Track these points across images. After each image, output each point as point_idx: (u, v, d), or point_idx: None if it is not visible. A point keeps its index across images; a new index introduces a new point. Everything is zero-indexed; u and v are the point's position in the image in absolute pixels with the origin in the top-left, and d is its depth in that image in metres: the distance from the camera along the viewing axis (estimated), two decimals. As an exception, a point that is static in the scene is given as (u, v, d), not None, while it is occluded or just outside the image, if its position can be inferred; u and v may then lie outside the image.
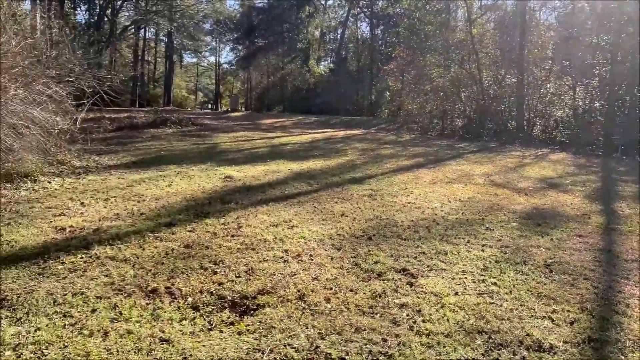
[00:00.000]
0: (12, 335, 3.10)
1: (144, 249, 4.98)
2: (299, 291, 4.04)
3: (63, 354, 2.91)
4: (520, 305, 3.93)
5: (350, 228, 6.01)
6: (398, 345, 3.22)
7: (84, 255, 4.71)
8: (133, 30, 39.35)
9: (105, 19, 32.41)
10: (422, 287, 4.20)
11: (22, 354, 2.89)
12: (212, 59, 58.49)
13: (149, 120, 19.97)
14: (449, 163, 12.60)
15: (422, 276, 4.48)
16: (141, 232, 5.59)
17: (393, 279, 4.38)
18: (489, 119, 20.82)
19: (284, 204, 7.28)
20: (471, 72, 21.29)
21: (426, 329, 3.45)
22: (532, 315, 3.75)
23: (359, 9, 39.68)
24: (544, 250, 5.44)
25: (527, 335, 3.41)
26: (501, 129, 20.31)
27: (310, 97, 33.77)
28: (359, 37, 39.83)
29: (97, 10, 32.03)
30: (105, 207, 6.73)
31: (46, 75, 12.41)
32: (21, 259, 4.56)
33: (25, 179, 8.39)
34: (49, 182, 8.33)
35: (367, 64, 34.15)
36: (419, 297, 3.98)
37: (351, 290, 4.09)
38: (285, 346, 3.15)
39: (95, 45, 26.93)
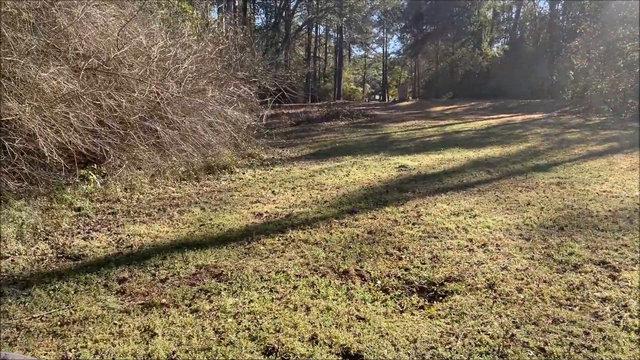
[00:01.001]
0: (231, 305, 3.57)
1: (331, 234, 5.31)
2: (487, 280, 3.97)
3: (275, 324, 3.27)
4: None
5: (538, 218, 5.70)
6: (603, 339, 3.01)
7: (280, 238, 5.18)
8: (306, 29, 41.47)
9: (281, 20, 34.66)
10: (626, 282, 3.84)
11: (241, 321, 3.31)
12: (379, 50, 59.23)
13: (322, 114, 20.97)
14: (650, 147, 11.16)
15: (625, 270, 4.09)
16: (327, 218, 5.95)
17: (592, 271, 4.07)
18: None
19: (463, 193, 7.15)
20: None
21: (635, 326, 3.16)
22: None
23: (535, -16, 36.94)
24: None
25: None
26: None
27: (482, 82, 32.36)
28: (537, 14, 37.01)
29: (275, 12, 34.42)
30: (293, 195, 7.29)
31: (236, 77, 13.74)
32: (229, 239, 5.17)
33: (223, 170, 9.43)
34: (243, 173, 9.24)
35: (546, 42, 31.59)
36: (623, 292, 3.66)
37: (545, 282, 3.90)
38: (479, 332, 3.14)
39: (273, 47, 28.99)
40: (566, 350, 2.90)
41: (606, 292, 3.65)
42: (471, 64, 34.91)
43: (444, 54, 40.00)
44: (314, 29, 44.06)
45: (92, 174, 7.24)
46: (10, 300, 3.68)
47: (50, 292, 3.83)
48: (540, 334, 3.09)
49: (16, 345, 3.01)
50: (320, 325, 3.26)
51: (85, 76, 7.87)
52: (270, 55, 23.76)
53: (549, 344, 2.97)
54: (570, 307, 3.44)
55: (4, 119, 5.69)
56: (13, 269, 4.34)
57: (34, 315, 3.43)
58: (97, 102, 7.78)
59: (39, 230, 5.40)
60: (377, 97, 60.54)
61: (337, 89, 43.27)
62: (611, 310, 3.38)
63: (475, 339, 3.07)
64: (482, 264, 4.34)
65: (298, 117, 20.50)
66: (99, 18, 8.67)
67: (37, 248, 4.87)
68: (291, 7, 34.92)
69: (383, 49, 57.64)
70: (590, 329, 3.13)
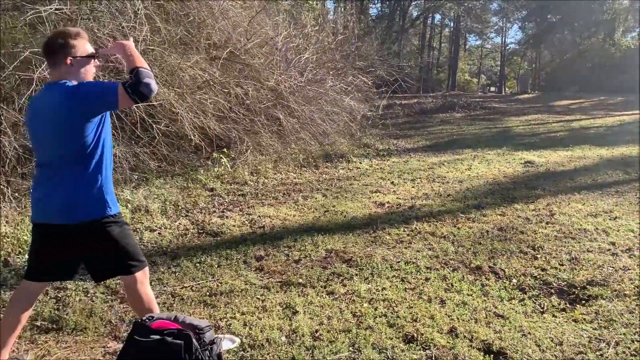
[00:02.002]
0: (365, 290, 3.63)
1: (458, 228, 5.20)
2: (636, 287, 3.68)
3: (411, 313, 3.28)
4: None
5: (692, 224, 5.18)
6: None
7: (405, 229, 5.17)
8: (422, 18, 40.65)
9: (398, 9, 34.27)
10: None
11: (377, 307, 3.36)
12: (497, 39, 56.55)
13: (436, 106, 20.48)
14: None
15: None
16: (452, 212, 5.84)
17: None
18: None
19: (599, 193, 6.67)
20: None
21: None
22: None
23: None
24: None
25: None
26: None
27: (613, 75, 29.71)
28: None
29: (391, 2, 34.10)
30: (413, 187, 7.22)
31: (354, 67, 13.84)
32: (354, 227, 5.26)
33: (340, 159, 9.57)
34: (360, 163, 9.32)
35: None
36: None
37: None
38: (632, 341, 2.93)
39: (389, 36, 28.77)
40: None
41: None
42: (601, 55, 32.19)
43: (569, 45, 37.26)
44: (429, 18, 43.06)
45: (223, 157, 7.68)
46: (162, 269, 4.03)
47: (197, 264, 4.14)
48: None
49: (172, 310, 3.29)
50: (458, 318, 3.22)
51: (216, 65, 8.32)
52: (386, 45, 23.56)
53: None
54: None
55: (154, 103, 6.19)
56: (161, 241, 4.74)
57: (184, 285, 3.73)
58: (226, 90, 8.22)
59: (180, 207, 5.84)
60: (492, 89, 57.97)
61: (450, 80, 42.05)
62: None
63: (629, 348, 2.87)
64: (629, 269, 4.03)
65: (411, 107, 20.20)
66: (230, 9, 9.13)
67: (179, 223, 5.28)
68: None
69: (501, 39, 54.98)
70: None
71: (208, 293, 3.58)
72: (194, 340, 2.02)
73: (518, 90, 35.65)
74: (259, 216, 5.63)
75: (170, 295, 3.54)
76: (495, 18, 49.97)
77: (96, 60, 2.51)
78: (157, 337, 2.00)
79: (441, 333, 3.03)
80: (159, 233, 4.95)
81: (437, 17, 45.79)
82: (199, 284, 3.76)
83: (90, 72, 2.46)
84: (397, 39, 31.08)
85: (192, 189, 6.57)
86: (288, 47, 10.53)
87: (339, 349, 2.82)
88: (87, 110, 2.32)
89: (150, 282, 2.76)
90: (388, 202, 6.30)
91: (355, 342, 2.90)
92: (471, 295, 3.60)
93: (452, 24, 45.48)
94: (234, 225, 5.24)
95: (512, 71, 57.09)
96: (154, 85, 2.32)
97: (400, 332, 3.03)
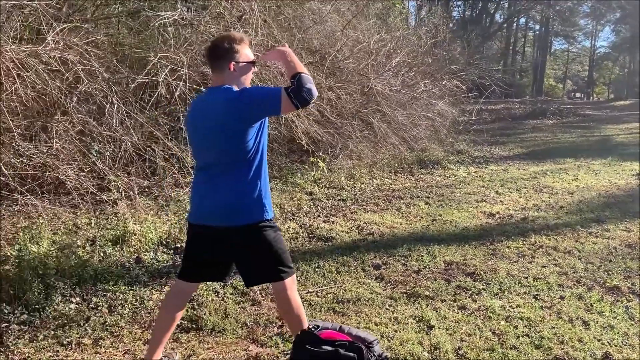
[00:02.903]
0: (499, 307, 3.44)
1: (582, 243, 4.87)
2: None
3: (555, 334, 3.06)
4: None
5: None
6: None
7: (524, 242, 4.91)
8: (507, 22, 39.36)
9: (484, 14, 33.34)
10: None
11: (516, 326, 3.17)
12: (586, 43, 53.67)
13: (526, 112, 19.69)
14: None
15: None
16: (570, 226, 5.49)
17: None
18: None
19: None
20: None
21: None
22: None
23: None
24: None
25: None
26: None
27: None
28: None
29: (476, 6, 33.23)
30: (520, 197, 6.89)
31: (445, 71, 13.53)
32: (468, 238, 5.05)
33: (435, 165, 9.33)
34: (457, 170, 9.03)
35: None
36: None
37: None
38: None
39: (477, 40, 27.99)
40: None
41: None
42: None
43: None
44: (515, 21, 41.57)
45: (320, 161, 7.68)
46: (282, 273, 4.02)
47: (315, 269, 4.10)
48: None
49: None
50: (609, 343, 2.97)
51: (313, 69, 8.35)
52: (477, 49, 22.91)
53: None
54: None
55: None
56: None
57: (309, 290, 3.70)
58: (323, 95, 8.22)
59: (286, 210, 5.87)
60: (577, 95, 55.09)
61: (537, 85, 40.35)
62: None
63: None
64: None
65: (498, 113, 19.50)
66: (325, 14, 9.15)
67: (288, 226, 5.29)
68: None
69: (591, 43, 52.15)
70: None
71: (334, 300, 3.52)
72: (365, 353, 1.95)
73: (610, 97, 33.62)
74: (365, 222, 5.54)
75: (297, 301, 3.52)
76: (584, 20, 47.54)
77: (254, 66, 2.51)
78: (330, 348, 1.94)
79: (594, 358, 2.80)
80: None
81: (522, 20, 44.16)
82: (322, 289, 3.71)
83: (249, 78, 2.46)
84: (484, 43, 30.18)
85: (292, 192, 6.59)
86: (380, 52, 10.41)
87: (487, 369, 2.67)
88: (250, 115, 2.31)
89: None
90: (498, 213, 6.02)
91: (502, 362, 2.73)
92: (616, 318, 3.33)
93: (536, 27, 43.71)
94: (342, 231, 5.18)
95: (602, 76, 54.08)
96: (315, 91, 2.28)
97: (549, 354, 2.83)
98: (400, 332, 3.05)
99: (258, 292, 3.59)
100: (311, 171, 7.52)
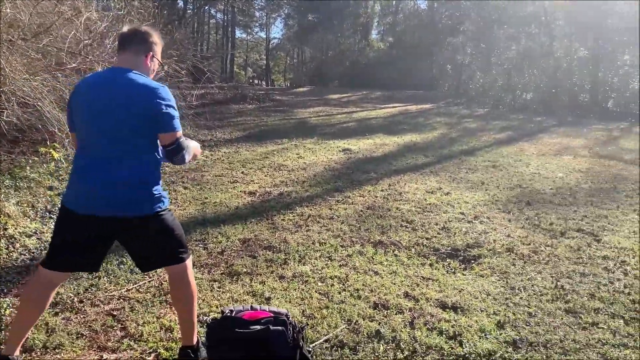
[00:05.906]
0: (310, 271, 3.87)
1: (337, 210, 5.72)
2: (503, 245, 4.68)
3: (363, 284, 3.66)
4: None
5: (501, 195, 6.62)
6: (624, 287, 3.83)
7: (294, 214, 5.49)
8: (193, 10, 40.25)
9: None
10: (608, 244, 4.79)
11: (332, 285, 3.65)
12: (262, 34, 59.13)
13: (227, 97, 20.82)
14: (541, 136, 13.01)
15: (602, 234, 5.06)
16: (320, 196, 6.34)
17: (577, 237, 4.98)
18: (561, 93, 20.88)
19: (419, 174, 7.92)
20: (543, 45, 21.31)
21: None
22: None
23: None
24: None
25: None
26: (574, 103, 20.38)
27: (370, 72, 34.03)
28: (416, 10, 39.78)
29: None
30: (266, 176, 7.52)
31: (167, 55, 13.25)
32: (245, 216, 5.36)
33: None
34: (193, 154, 9.15)
35: (427, 37, 34.08)
36: (613, 251, 4.58)
37: (548, 245, 4.72)
38: (532, 285, 3.81)
39: (170, 24, 27.85)
40: (610, 295, 3.66)
41: (602, 252, 4.55)
42: (358, 54, 36.58)
43: (331, 43, 41.29)
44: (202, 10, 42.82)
45: (53, 152, 6.81)
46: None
47: (120, 265, 3.81)
48: (581, 284, 3.84)
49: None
50: (401, 284, 3.72)
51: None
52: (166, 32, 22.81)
53: (595, 291, 3.73)
54: (584, 264, 4.27)
55: None
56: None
57: (127, 287, 3.45)
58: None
59: (39, 209, 5.12)
60: (256, 81, 60.48)
61: (228, 71, 42.66)
62: (614, 265, 4.26)
63: (535, 289, 3.73)
64: (488, 232, 5.07)
65: (203, 98, 20.13)
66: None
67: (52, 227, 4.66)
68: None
69: (266, 34, 57.70)
70: (611, 280, 3.95)
71: (160, 293, 3.39)
72: (288, 324, 2.09)
73: (287, 84, 38.10)
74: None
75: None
76: (259, 13, 52.22)
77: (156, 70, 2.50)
78: (259, 327, 2.01)
79: (401, 298, 3.49)
80: (38, 238, 4.34)
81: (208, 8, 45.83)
82: (140, 285, 3.51)
83: (151, 77, 2.43)
84: (179, 28, 30.27)
85: (31, 189, 5.75)
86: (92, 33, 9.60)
87: (336, 323, 3.06)
88: (153, 118, 2.22)
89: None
90: (257, 191, 6.49)
91: (343, 316, 3.16)
92: (393, 264, 4.14)
93: (217, 16, 46.10)
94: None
95: (277, 65, 60.49)
96: (187, 161, 2.38)
97: (369, 301, 3.40)
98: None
99: (74, 298, 3.19)
100: (44, 163, 6.63)
